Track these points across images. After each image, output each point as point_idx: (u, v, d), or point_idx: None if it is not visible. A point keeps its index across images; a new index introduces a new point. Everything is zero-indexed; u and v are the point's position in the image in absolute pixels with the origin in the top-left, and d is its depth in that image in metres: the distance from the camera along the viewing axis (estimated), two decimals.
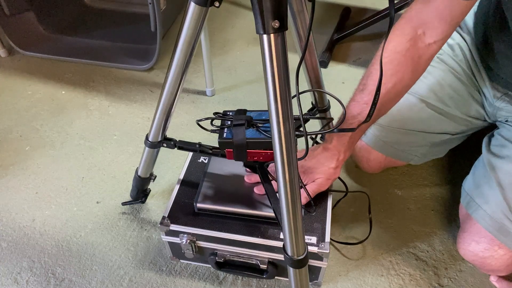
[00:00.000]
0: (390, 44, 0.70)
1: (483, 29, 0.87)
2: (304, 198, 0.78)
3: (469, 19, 0.93)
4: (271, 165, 0.80)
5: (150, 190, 1.00)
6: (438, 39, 0.69)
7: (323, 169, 0.78)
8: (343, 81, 1.41)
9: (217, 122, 0.74)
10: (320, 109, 0.84)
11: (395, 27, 0.71)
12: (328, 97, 0.81)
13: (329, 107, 0.85)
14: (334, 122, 0.82)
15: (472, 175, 0.89)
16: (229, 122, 0.73)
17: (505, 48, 0.80)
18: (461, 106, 0.94)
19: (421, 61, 0.72)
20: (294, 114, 0.52)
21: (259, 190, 0.82)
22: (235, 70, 1.48)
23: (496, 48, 0.83)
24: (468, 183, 0.89)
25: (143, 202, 0.99)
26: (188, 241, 0.80)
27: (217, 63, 1.48)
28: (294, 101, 0.52)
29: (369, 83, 0.74)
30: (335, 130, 0.74)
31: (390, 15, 0.51)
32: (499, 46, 0.81)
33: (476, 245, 0.81)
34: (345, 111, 0.72)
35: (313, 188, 0.79)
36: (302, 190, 0.78)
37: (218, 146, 0.73)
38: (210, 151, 0.81)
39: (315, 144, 0.89)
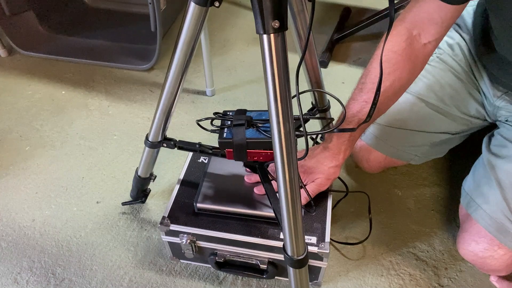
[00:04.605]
0: (387, 44, 0.70)
1: (481, 29, 0.88)
2: (304, 198, 0.78)
3: (469, 18, 0.94)
4: (271, 165, 0.80)
5: (150, 190, 1.00)
6: (432, 40, 0.71)
7: (323, 168, 0.78)
8: (343, 81, 1.41)
9: (217, 122, 0.74)
10: (320, 109, 0.84)
11: (392, 27, 0.72)
12: (328, 97, 0.81)
13: (329, 107, 0.85)
14: (334, 121, 0.82)
15: (472, 175, 0.89)
16: (229, 122, 0.73)
17: (498, 47, 0.80)
18: (461, 106, 0.94)
19: (418, 60, 0.73)
20: (294, 114, 0.52)
21: (259, 190, 0.82)
22: (235, 70, 1.48)
23: (491, 47, 0.83)
24: (468, 183, 0.88)
25: (143, 202, 0.99)
26: (188, 241, 0.80)
27: (217, 63, 1.48)
28: (294, 101, 0.52)
29: (368, 82, 0.74)
30: (335, 130, 0.74)
31: (390, 15, 0.51)
32: (493, 45, 0.81)
33: (476, 245, 0.81)
34: (345, 111, 0.72)
35: (313, 188, 0.79)
36: (302, 190, 0.78)
37: (218, 146, 0.73)
38: (210, 151, 0.81)
39: (315, 144, 0.89)
